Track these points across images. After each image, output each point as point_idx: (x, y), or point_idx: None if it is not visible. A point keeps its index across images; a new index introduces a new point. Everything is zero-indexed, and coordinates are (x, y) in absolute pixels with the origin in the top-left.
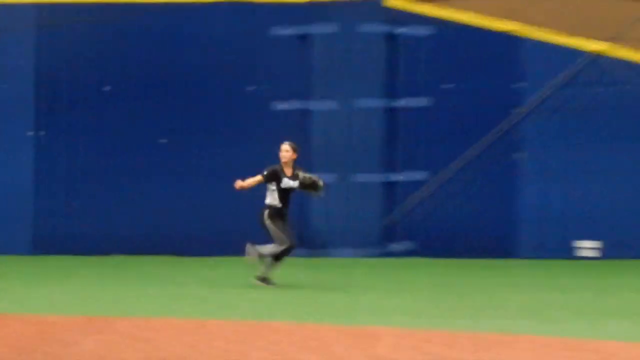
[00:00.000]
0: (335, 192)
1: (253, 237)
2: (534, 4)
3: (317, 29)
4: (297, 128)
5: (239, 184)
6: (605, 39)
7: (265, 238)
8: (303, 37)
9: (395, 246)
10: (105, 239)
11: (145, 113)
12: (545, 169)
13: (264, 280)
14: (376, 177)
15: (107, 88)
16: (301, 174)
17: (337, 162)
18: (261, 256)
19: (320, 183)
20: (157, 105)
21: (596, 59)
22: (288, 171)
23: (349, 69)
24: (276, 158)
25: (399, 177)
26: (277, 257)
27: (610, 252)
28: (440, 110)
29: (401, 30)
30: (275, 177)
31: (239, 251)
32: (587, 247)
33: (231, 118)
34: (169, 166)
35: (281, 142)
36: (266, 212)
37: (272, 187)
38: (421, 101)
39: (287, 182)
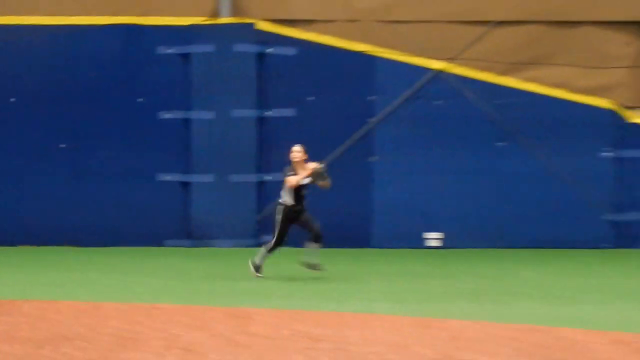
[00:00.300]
0: (214, 190)
1: (137, 229)
2: (385, 28)
3: (197, 48)
4: (180, 135)
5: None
6: (445, 59)
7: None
8: (185, 56)
9: (268, 237)
10: (13, 231)
11: (48, 121)
12: (396, 170)
13: (258, 269)
14: (250, 178)
15: (13, 99)
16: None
17: (215, 164)
18: (258, 267)
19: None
20: (58, 115)
21: (438, 75)
22: (299, 171)
23: (225, 83)
24: (161, 160)
25: (270, 177)
26: (270, 251)
27: (451, 242)
28: (305, 119)
29: (270, 50)
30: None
31: (129, 242)
32: (432, 237)
33: (123, 125)
34: (68, 168)
35: (167, 146)
36: (280, 207)
37: (286, 186)
38: (288, 112)
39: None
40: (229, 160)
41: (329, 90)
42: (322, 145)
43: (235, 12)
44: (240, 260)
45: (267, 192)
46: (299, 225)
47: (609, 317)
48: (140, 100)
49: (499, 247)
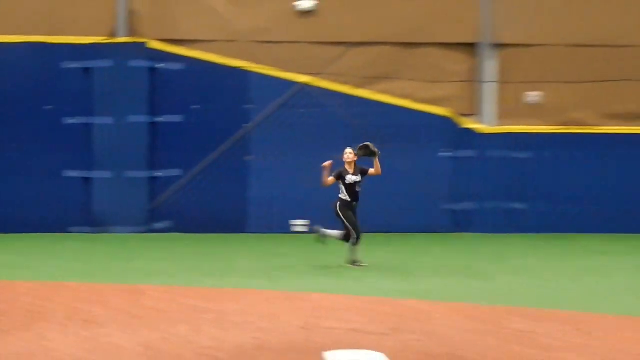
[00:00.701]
0: (111, 184)
1: (46, 218)
2: (259, 47)
3: (97, 63)
4: (83, 137)
5: (326, 181)
6: (310, 74)
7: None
8: (87, 70)
9: (158, 225)
10: None
11: None
12: (268, 168)
13: (355, 262)
14: (143, 174)
15: None
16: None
17: (113, 162)
18: (323, 235)
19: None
20: None
21: (303, 88)
22: (351, 169)
23: (122, 93)
24: (66, 159)
25: (160, 173)
26: (346, 239)
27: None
28: (191, 124)
29: (160, 65)
30: (340, 176)
31: (39, 229)
32: (299, 224)
33: (33, 130)
34: None
35: (71, 147)
36: (338, 204)
37: (340, 184)
38: (175, 118)
39: (350, 178)
40: (125, 158)
41: (211, 100)
42: (205, 146)
43: (130, 32)
44: (133, 244)
45: (157, 186)
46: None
47: (448, 289)
48: (48, 107)
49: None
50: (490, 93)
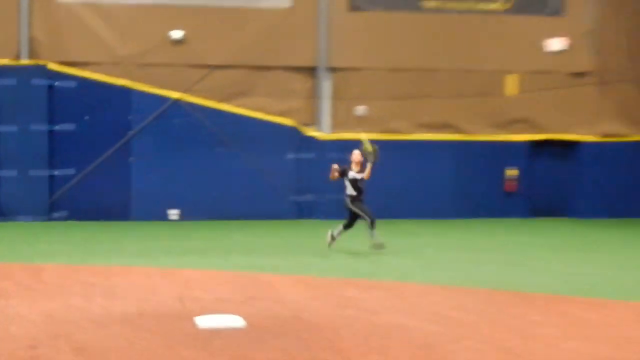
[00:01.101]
0: (17, 181)
1: None
2: (140, 68)
3: (4, 82)
4: None
5: (333, 176)
6: (181, 90)
7: None
8: None
9: (56, 214)
10: None
11: None
12: (148, 167)
13: (378, 246)
14: (43, 172)
15: None
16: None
17: (18, 163)
18: (380, 245)
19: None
20: None
21: (176, 102)
22: (356, 168)
23: (25, 106)
24: None
25: (57, 172)
26: (372, 225)
27: (187, 216)
28: (83, 131)
29: (57, 83)
30: (344, 173)
31: None
32: (173, 213)
33: None
34: None
35: None
36: (347, 199)
37: (346, 181)
38: (70, 126)
39: (352, 175)
40: (28, 159)
41: (99, 112)
42: (95, 150)
43: (32, 55)
44: (36, 230)
45: (55, 182)
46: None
47: (293, 265)
48: None
49: (219, 219)
50: (326, 107)
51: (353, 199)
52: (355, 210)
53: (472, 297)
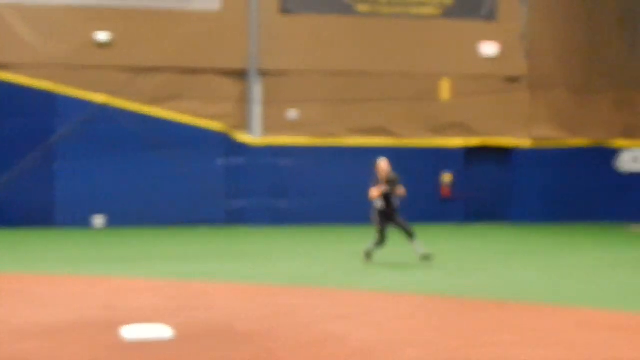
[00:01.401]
0: None
1: None
2: (65, 70)
3: None
4: None
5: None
6: (109, 94)
7: None
8: None
9: None
10: None
11: None
12: (72, 172)
13: (425, 256)
14: None
15: None
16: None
17: None
18: (368, 255)
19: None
20: None
21: (103, 106)
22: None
23: None
24: None
25: None
26: (376, 245)
27: (113, 223)
28: (5, 136)
29: None
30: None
31: None
32: (99, 220)
33: None
34: None
35: None
36: (376, 212)
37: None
38: None
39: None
40: None
41: (23, 116)
42: (18, 154)
43: None
44: None
45: None
46: (394, 226)
47: (227, 272)
48: None
49: (148, 226)
50: (257, 111)
51: (382, 213)
52: (375, 224)
53: (416, 303)
